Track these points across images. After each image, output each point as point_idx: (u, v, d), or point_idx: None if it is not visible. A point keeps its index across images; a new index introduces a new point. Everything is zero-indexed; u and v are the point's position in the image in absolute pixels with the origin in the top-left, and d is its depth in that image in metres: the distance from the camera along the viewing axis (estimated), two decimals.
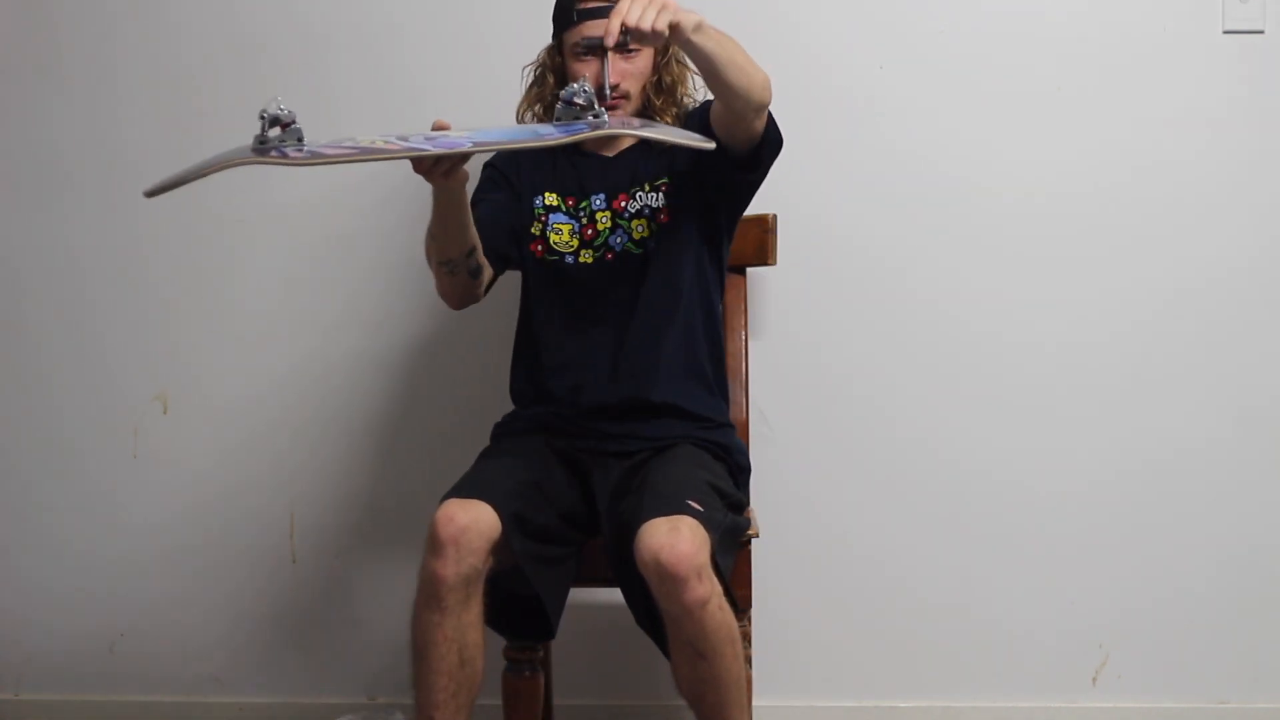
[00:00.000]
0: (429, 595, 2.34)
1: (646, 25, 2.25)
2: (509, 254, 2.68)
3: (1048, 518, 3.09)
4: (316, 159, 2.16)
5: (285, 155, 2.16)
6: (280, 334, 3.17)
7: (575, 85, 2.32)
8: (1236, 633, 3.08)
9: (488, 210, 2.65)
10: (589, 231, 2.65)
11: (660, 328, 2.61)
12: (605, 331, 2.62)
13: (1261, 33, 3.02)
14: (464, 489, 2.41)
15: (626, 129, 2.36)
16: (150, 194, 2.20)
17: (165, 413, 3.20)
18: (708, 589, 2.27)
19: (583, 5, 2.58)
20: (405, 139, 2.30)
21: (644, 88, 2.64)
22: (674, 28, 2.28)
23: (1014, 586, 3.10)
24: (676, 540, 2.26)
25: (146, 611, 3.22)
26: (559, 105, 2.33)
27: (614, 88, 2.55)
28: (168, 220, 3.17)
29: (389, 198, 3.13)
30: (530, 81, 2.73)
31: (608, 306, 2.62)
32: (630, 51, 2.58)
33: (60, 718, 3.22)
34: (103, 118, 3.17)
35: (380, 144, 2.26)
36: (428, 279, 3.07)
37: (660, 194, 2.64)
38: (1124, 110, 3.05)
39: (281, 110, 2.17)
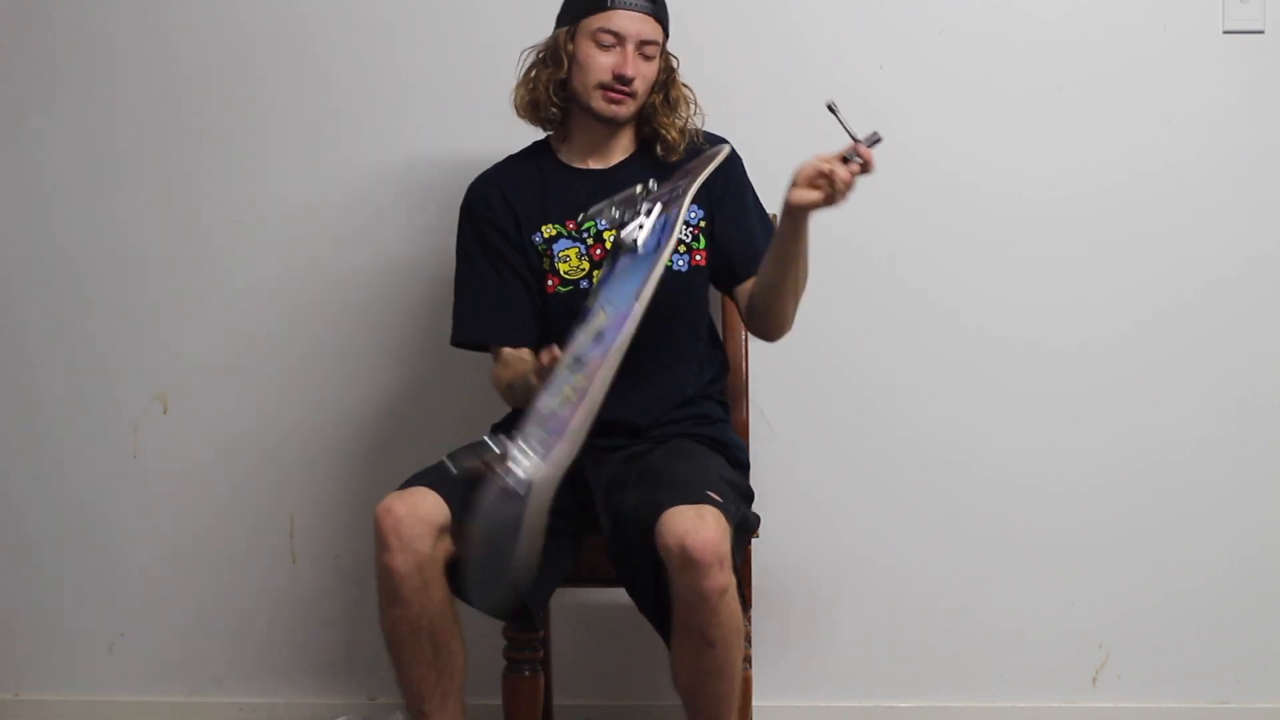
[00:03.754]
0: (386, 590, 2.36)
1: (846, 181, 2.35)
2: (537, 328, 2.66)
3: (1048, 518, 3.09)
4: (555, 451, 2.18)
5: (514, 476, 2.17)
6: (280, 334, 3.17)
7: (629, 230, 2.35)
8: (1236, 633, 3.08)
9: (514, 288, 2.63)
10: (597, 251, 2.61)
11: (663, 349, 2.58)
12: None
13: (1261, 33, 3.02)
14: (406, 483, 2.44)
15: (674, 194, 2.37)
16: None
17: (165, 413, 3.20)
18: (727, 578, 2.29)
19: None
20: (582, 366, 2.25)
21: (650, 97, 2.63)
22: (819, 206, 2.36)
23: (1014, 586, 3.10)
24: (702, 527, 2.27)
25: (146, 611, 3.21)
26: (619, 236, 2.36)
27: (629, 80, 2.55)
28: (167, 220, 3.17)
29: (391, 197, 3.13)
30: (532, 62, 2.66)
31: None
32: (645, 57, 2.58)
33: (60, 718, 3.22)
34: (100, 116, 3.17)
35: (597, 392, 2.22)
36: (428, 278, 3.08)
37: None
38: (1124, 110, 3.05)
39: (510, 445, 2.19)
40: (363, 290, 3.15)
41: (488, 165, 2.73)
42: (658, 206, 2.34)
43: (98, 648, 3.23)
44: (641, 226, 2.34)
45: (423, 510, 2.36)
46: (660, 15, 2.60)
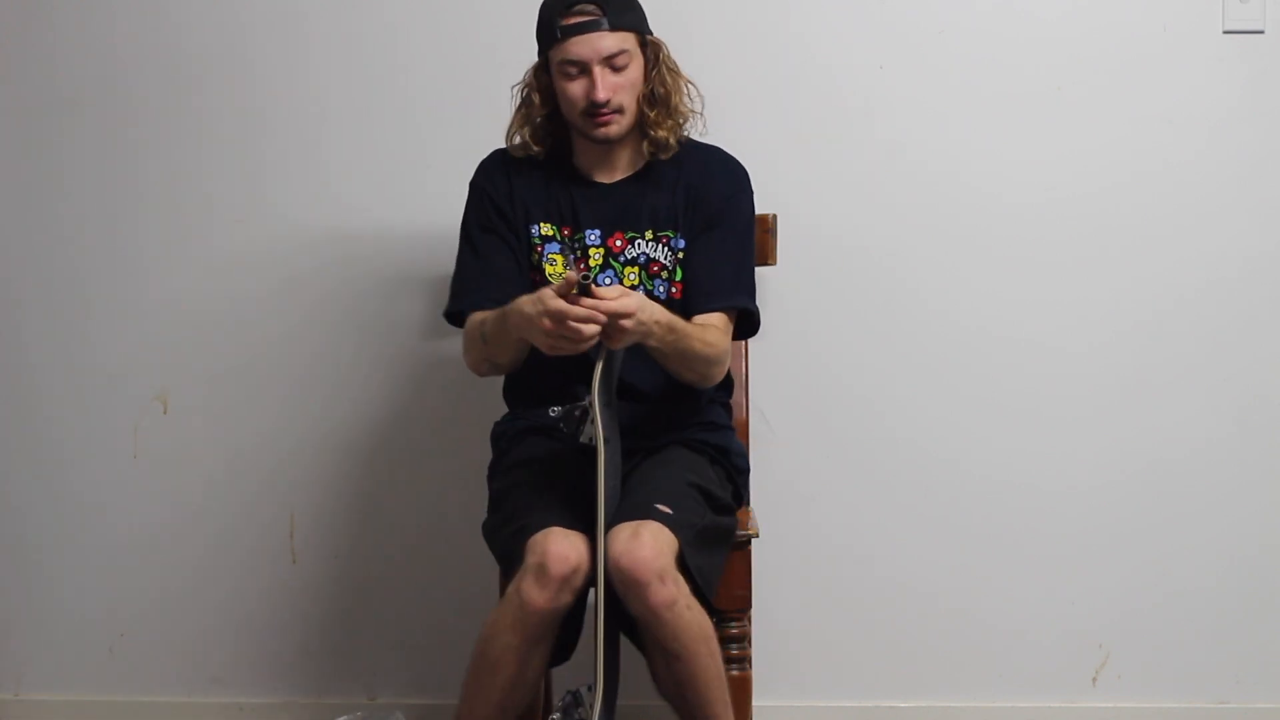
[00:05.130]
0: (518, 620, 2.33)
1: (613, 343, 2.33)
2: None
3: (1048, 518, 3.09)
4: None
5: None
6: (280, 334, 3.17)
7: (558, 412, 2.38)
8: (1236, 633, 3.08)
9: (508, 266, 2.59)
10: (581, 266, 2.58)
11: (651, 378, 2.55)
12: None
13: (1261, 33, 3.02)
14: (564, 517, 2.37)
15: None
16: None
17: (165, 413, 3.20)
18: (672, 591, 2.30)
19: (566, 21, 2.49)
20: None
21: (638, 100, 2.55)
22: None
23: (1014, 586, 3.10)
24: (635, 546, 2.28)
25: (146, 611, 3.21)
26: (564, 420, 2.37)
27: (605, 104, 2.49)
28: (168, 220, 3.17)
29: (391, 197, 3.13)
30: (518, 103, 2.63)
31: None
32: (617, 69, 2.50)
33: (60, 718, 3.22)
34: (100, 116, 3.16)
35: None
36: (427, 279, 3.08)
37: (663, 246, 2.58)
38: (1124, 110, 3.05)
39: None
40: (362, 290, 3.15)
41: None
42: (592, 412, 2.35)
43: (98, 648, 3.23)
44: (593, 422, 2.34)
45: (585, 564, 2.33)
46: (621, 21, 2.51)
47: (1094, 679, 3.10)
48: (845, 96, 3.08)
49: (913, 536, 3.10)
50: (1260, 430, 3.07)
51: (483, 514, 2.60)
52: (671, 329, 2.41)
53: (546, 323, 2.30)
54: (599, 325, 2.29)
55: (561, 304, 2.28)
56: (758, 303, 2.63)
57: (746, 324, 2.63)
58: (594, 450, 2.33)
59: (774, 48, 3.07)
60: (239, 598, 3.20)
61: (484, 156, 2.69)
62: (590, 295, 2.29)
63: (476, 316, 2.55)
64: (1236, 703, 3.08)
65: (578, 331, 2.28)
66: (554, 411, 2.35)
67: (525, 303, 2.36)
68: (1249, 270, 3.06)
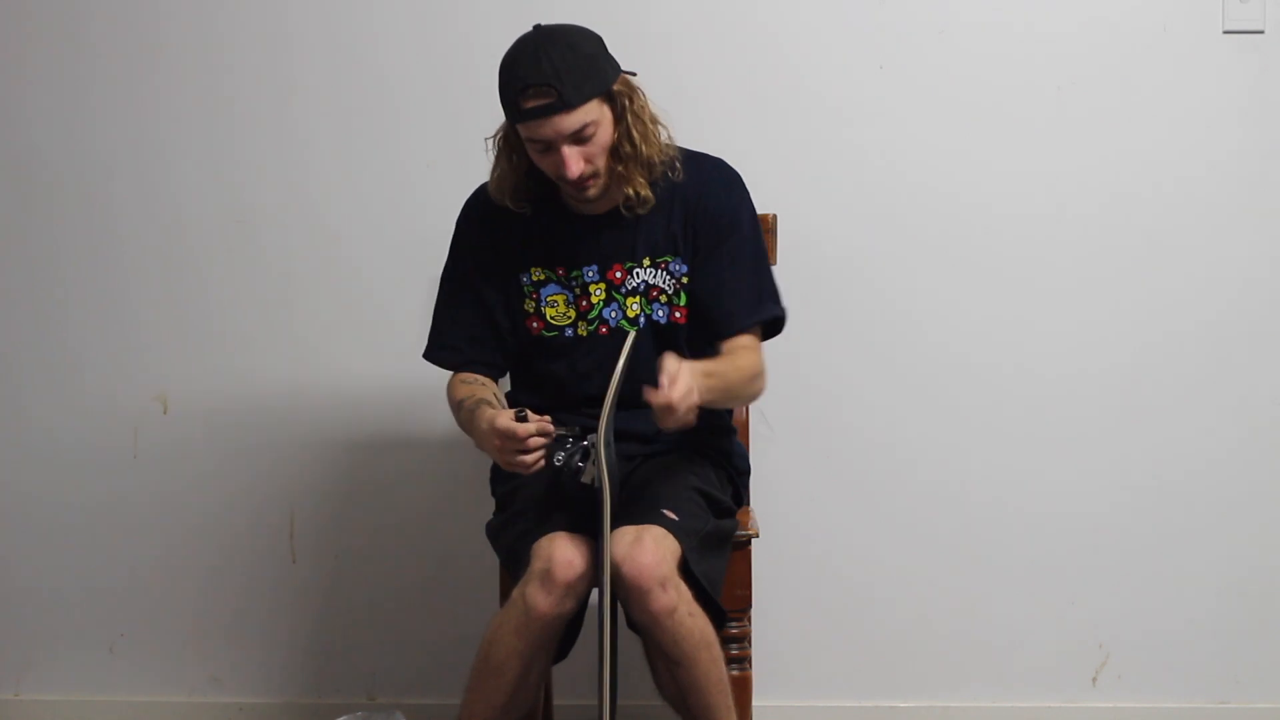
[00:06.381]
0: (523, 624, 2.33)
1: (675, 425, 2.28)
2: (506, 363, 2.61)
3: (1048, 518, 3.09)
4: None
5: None
6: (280, 334, 3.17)
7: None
8: (1236, 633, 3.08)
9: (480, 324, 2.56)
10: (584, 303, 2.53)
11: (650, 381, 2.42)
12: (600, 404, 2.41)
13: (1261, 33, 3.02)
14: (569, 522, 2.37)
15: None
16: None
17: (165, 413, 3.20)
18: (673, 598, 2.29)
19: (524, 105, 2.35)
20: None
21: (609, 158, 2.43)
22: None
23: (1014, 587, 3.10)
24: (639, 552, 2.29)
25: (146, 611, 3.22)
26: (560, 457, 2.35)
27: (580, 177, 2.40)
28: (167, 219, 3.17)
29: (389, 197, 3.13)
30: (495, 155, 2.51)
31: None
32: (585, 141, 2.37)
33: (60, 718, 3.22)
34: (97, 119, 3.16)
35: None
36: (427, 279, 3.07)
37: (662, 271, 2.52)
38: (1123, 111, 3.05)
39: None
40: (362, 290, 3.15)
41: (479, 167, 2.59)
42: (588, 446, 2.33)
43: (98, 648, 3.23)
44: (590, 461, 2.31)
45: (588, 570, 2.33)
46: (580, 95, 2.35)
47: (1094, 679, 3.10)
48: (844, 97, 3.07)
49: (913, 536, 3.10)
50: (1260, 434, 3.07)
51: (484, 514, 2.60)
52: (708, 374, 2.34)
53: (497, 441, 2.33)
54: (540, 453, 2.32)
55: (510, 425, 2.31)
56: None
57: (772, 326, 2.58)
58: (596, 480, 2.31)
59: (773, 48, 3.07)
60: (239, 598, 3.20)
61: (473, 156, 2.66)
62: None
63: (456, 392, 2.54)
64: (1236, 703, 3.08)
65: (523, 463, 2.32)
66: (558, 460, 2.33)
67: (483, 419, 2.39)
68: (1250, 275, 3.06)
